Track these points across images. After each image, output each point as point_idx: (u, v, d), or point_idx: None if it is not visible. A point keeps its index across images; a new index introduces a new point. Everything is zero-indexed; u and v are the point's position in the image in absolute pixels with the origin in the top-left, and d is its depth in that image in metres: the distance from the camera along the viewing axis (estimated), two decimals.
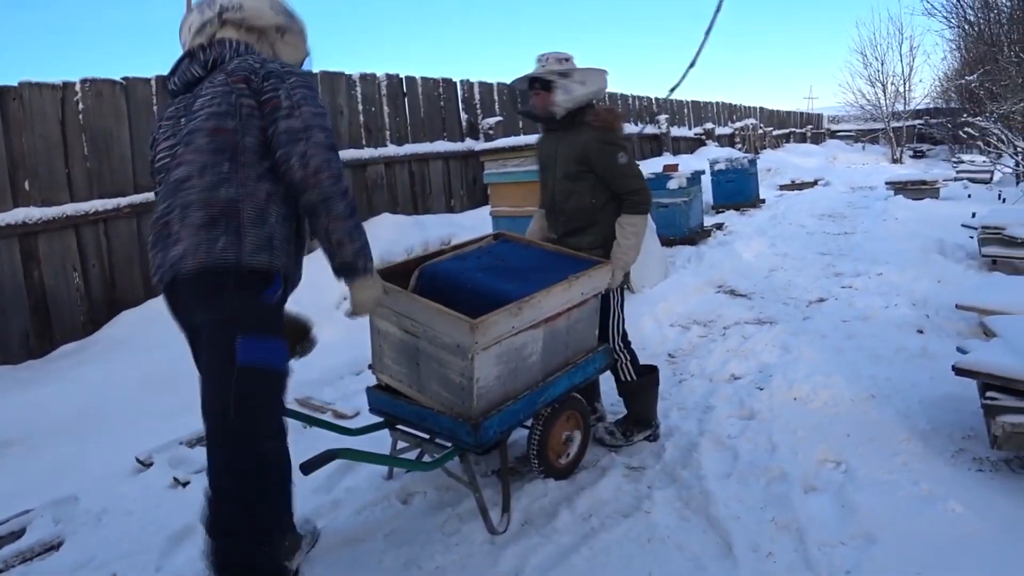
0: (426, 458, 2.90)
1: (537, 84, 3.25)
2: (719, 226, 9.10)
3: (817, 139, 27.06)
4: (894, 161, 22.85)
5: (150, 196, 5.54)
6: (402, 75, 8.30)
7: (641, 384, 3.41)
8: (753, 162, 11.29)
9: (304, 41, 2.46)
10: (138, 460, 3.49)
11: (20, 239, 4.89)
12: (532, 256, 3.16)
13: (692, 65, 3.86)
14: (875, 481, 2.90)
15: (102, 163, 5.37)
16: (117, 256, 5.42)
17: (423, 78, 8.56)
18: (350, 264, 2.15)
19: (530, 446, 2.97)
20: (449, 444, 2.70)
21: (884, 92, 25.56)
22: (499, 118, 9.19)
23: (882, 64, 26.10)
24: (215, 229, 2.01)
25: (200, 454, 3.55)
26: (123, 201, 5.41)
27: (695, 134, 16.71)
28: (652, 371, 3.47)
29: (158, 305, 5.19)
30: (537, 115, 3.34)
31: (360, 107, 7.69)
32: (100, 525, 3.02)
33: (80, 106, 5.28)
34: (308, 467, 2.28)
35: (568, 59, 3.27)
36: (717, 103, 19.34)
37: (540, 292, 2.73)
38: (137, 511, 3.09)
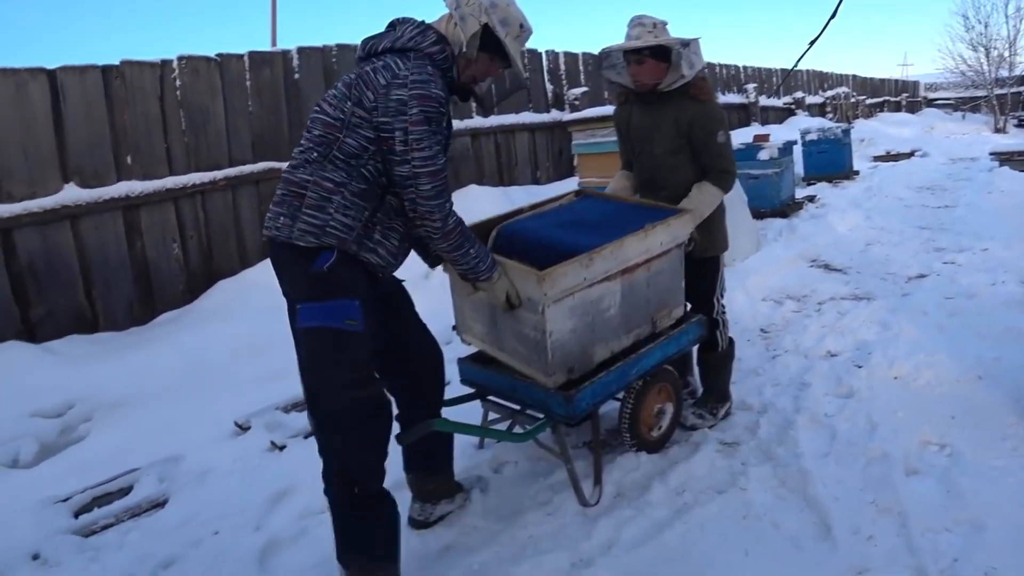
0: (517, 429, 2.90)
1: (646, 52, 2.97)
2: (811, 198, 8.79)
3: (913, 108, 25.81)
4: (997, 131, 21.57)
5: (244, 169, 5.71)
6: None
7: (728, 355, 3.36)
8: (847, 132, 10.84)
9: (468, 23, 2.37)
10: (236, 424, 3.62)
11: (124, 212, 5.08)
12: (611, 210, 3.09)
13: (814, 42, 3.68)
14: (983, 466, 2.76)
15: (199, 138, 5.53)
16: (214, 228, 5.60)
17: None
18: (463, 276, 2.47)
19: (622, 418, 2.94)
20: (541, 415, 2.70)
21: (987, 57, 24.11)
22: (585, 88, 9.06)
23: (986, 27, 24.51)
24: (282, 207, 2.23)
25: (295, 419, 3.65)
26: (219, 174, 5.56)
27: (784, 103, 16.17)
28: (731, 343, 3.41)
29: (253, 276, 5.42)
30: (638, 87, 3.10)
31: None
32: (202, 485, 3.15)
33: (177, 83, 5.44)
34: (404, 437, 2.31)
35: (666, 24, 3.03)
36: (807, 71, 18.65)
37: (612, 243, 2.65)
38: (237, 472, 3.21)
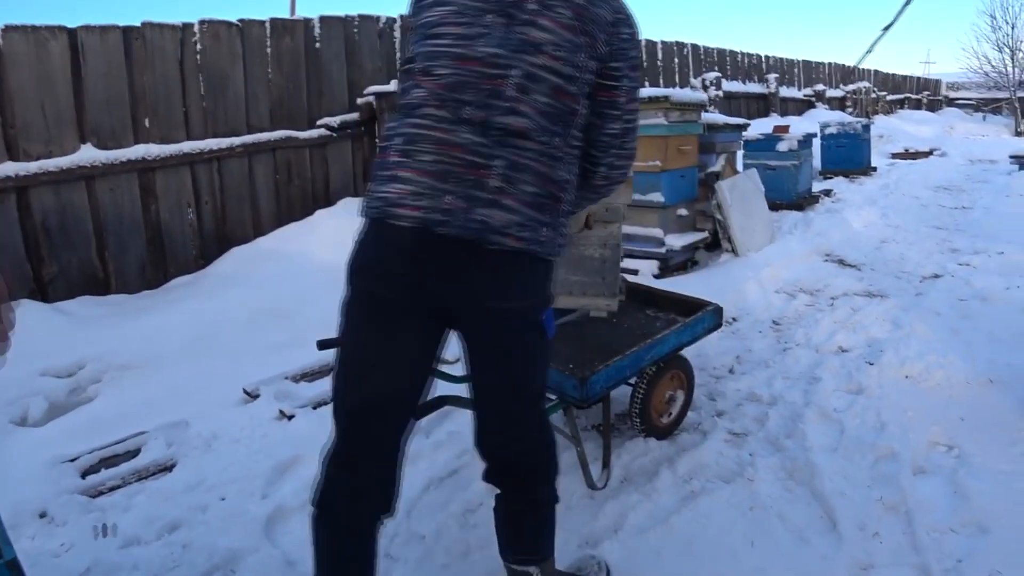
0: None
1: None
2: (827, 192, 8.73)
3: (934, 106, 25.57)
4: (1018, 134, 21.32)
5: (262, 136, 5.68)
6: None
7: None
8: (867, 127, 10.75)
9: None
10: (245, 391, 3.62)
11: (139, 174, 5.07)
12: None
13: (886, 29, 3.64)
14: (991, 470, 2.75)
15: (217, 103, 5.51)
16: (229, 194, 5.58)
17: None
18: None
19: (633, 403, 2.94)
20: (553, 397, 2.69)
21: (1012, 58, 23.91)
22: None
23: (1012, 28, 24.34)
24: (542, 213, 1.70)
25: (305, 389, 3.66)
26: (236, 141, 5.54)
27: (804, 95, 16.04)
28: None
29: (267, 244, 5.42)
30: None
31: None
32: (210, 450, 3.14)
33: (198, 47, 5.41)
34: (418, 413, 2.29)
35: None
36: (829, 64, 18.50)
37: None
38: (244, 439, 3.20)
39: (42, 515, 2.69)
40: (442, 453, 2.94)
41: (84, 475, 3.00)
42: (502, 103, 1.64)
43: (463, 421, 2.93)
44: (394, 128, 1.76)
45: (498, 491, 2.04)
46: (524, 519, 2.04)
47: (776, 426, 3.16)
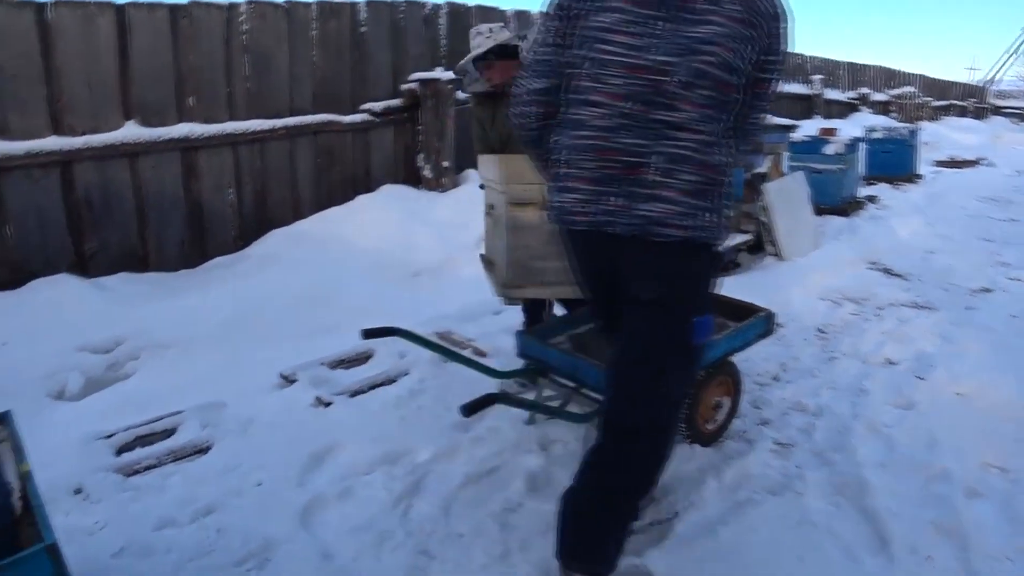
0: (572, 407, 2.83)
1: (492, 55, 3.24)
2: (872, 199, 8.53)
3: (979, 114, 24.99)
4: None
5: (304, 119, 5.65)
6: None
7: None
8: (914, 133, 10.50)
9: None
10: (282, 376, 3.59)
11: (182, 153, 5.08)
12: None
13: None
14: None
15: (261, 84, 5.49)
16: (270, 176, 5.57)
17: None
18: None
19: None
20: (600, 397, 2.62)
21: None
22: None
23: None
24: (703, 199, 1.78)
25: (342, 376, 3.62)
26: (279, 123, 5.52)
27: (848, 98, 15.74)
28: None
29: (306, 227, 5.40)
30: (496, 87, 3.31)
31: None
32: (246, 434, 3.12)
33: (244, 27, 5.39)
34: (469, 409, 2.23)
35: (503, 26, 3.33)
36: (875, 67, 18.15)
37: None
38: (281, 425, 3.17)
39: (77, 491, 2.68)
40: (481, 449, 2.87)
41: (119, 452, 2.99)
42: (664, 99, 1.74)
43: (504, 417, 2.87)
44: (558, 140, 1.93)
45: (573, 486, 2.00)
46: (603, 530, 1.99)
47: (823, 438, 3.06)
